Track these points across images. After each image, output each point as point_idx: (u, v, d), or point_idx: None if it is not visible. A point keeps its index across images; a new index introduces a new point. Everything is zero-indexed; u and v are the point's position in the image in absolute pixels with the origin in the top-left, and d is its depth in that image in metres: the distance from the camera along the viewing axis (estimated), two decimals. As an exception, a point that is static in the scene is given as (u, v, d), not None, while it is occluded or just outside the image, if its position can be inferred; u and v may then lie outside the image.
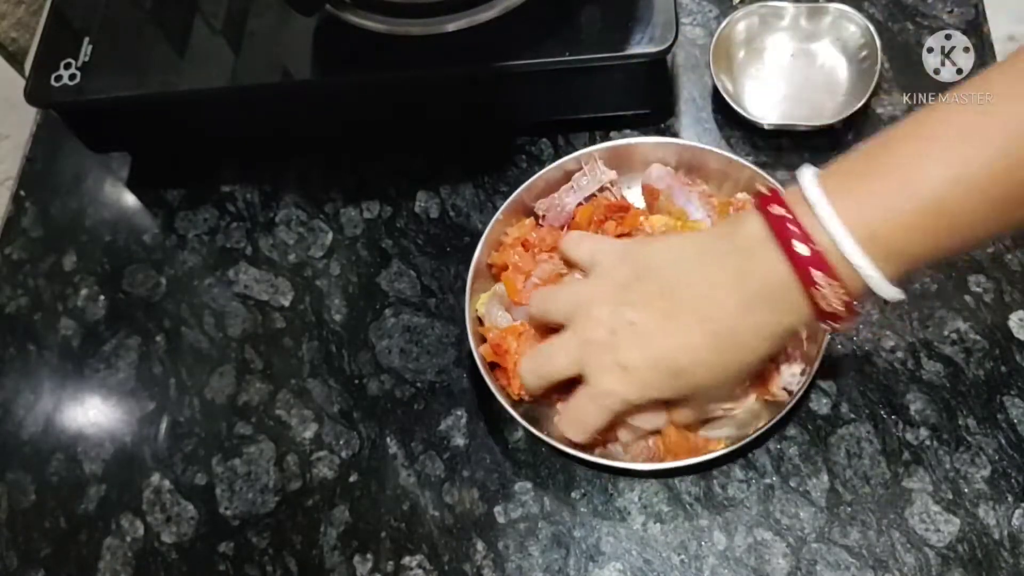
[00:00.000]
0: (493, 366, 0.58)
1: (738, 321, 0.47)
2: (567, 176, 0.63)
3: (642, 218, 0.60)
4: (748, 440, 0.53)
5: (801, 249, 0.44)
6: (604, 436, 0.55)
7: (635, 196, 0.63)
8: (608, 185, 0.62)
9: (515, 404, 0.56)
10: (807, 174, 0.45)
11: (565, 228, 0.62)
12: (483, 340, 0.58)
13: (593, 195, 0.62)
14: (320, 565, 0.57)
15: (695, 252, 0.50)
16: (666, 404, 0.52)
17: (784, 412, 0.54)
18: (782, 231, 0.44)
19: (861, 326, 0.60)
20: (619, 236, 0.59)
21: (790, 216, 0.44)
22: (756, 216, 0.46)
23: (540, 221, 0.63)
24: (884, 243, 0.43)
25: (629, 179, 0.63)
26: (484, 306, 0.60)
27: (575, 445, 0.54)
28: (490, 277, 0.61)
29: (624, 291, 0.50)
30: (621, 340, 0.49)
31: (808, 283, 0.44)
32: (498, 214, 0.61)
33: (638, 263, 0.51)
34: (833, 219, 0.43)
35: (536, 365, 0.53)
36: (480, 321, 0.60)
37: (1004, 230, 0.45)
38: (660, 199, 0.60)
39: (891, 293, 0.44)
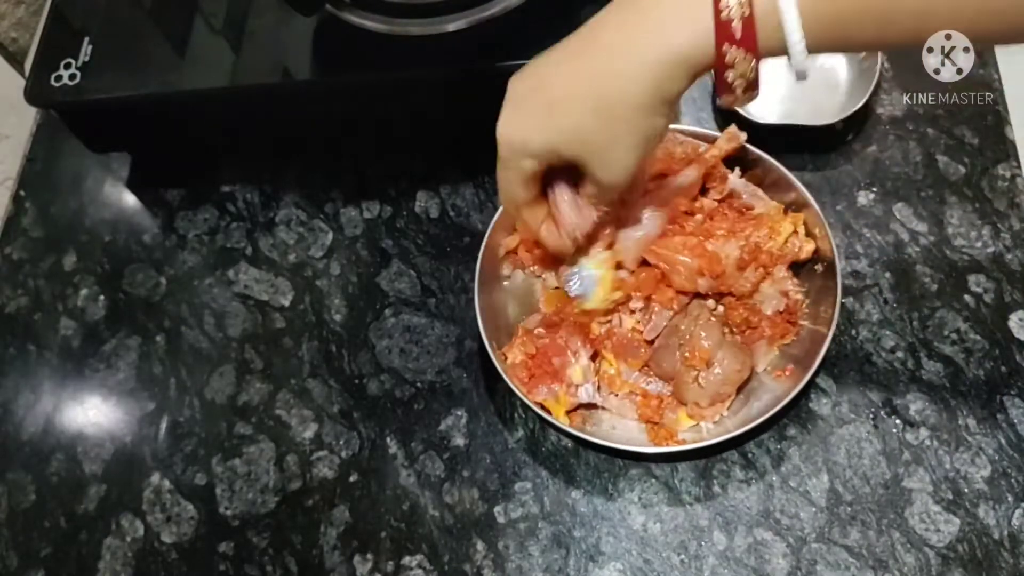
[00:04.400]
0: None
1: (608, 44, 0.43)
2: None
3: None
4: (745, 430, 0.53)
5: None
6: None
7: None
8: None
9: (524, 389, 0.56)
10: None
11: None
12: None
13: None
14: (320, 565, 0.57)
15: None
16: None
17: (778, 408, 0.54)
18: None
19: (861, 326, 0.60)
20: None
21: None
22: None
23: None
24: None
25: None
26: None
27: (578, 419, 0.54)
28: (497, 279, 0.61)
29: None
30: (520, 77, 0.47)
31: None
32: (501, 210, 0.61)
33: None
34: None
35: None
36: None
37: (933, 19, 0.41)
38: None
39: (795, 30, 0.40)
